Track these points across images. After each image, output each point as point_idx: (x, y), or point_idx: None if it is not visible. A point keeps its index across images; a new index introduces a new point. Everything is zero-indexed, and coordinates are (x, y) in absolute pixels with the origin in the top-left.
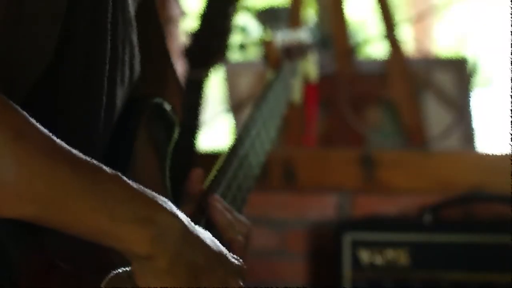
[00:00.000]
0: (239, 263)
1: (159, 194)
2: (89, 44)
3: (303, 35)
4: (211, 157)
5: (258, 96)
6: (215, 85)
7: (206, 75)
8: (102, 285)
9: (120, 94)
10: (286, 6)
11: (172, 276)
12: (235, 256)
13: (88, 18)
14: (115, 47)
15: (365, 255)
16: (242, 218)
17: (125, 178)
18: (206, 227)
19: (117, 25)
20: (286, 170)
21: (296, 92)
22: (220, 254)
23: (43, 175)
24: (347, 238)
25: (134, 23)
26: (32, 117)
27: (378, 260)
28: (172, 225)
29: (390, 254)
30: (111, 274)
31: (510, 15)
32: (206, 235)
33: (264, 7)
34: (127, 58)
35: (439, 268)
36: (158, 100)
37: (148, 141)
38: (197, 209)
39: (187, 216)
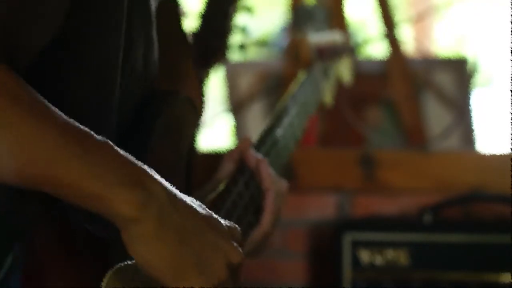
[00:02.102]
0: (231, 227)
1: (173, 185)
2: (102, 38)
3: (338, 36)
4: (211, 157)
5: (287, 96)
6: (215, 85)
7: (206, 75)
8: (107, 276)
9: (135, 88)
10: (324, 5)
11: (160, 240)
12: (228, 221)
13: (101, 11)
14: (130, 42)
15: (365, 255)
16: (280, 180)
17: (114, 146)
18: (249, 179)
19: (134, 19)
20: (286, 170)
21: (328, 95)
22: (209, 218)
23: (33, 141)
24: (347, 238)
25: (154, 19)
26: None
27: (378, 260)
28: (159, 191)
29: (390, 254)
30: (117, 266)
31: (510, 15)
32: (194, 202)
33: (299, 6)
34: (143, 53)
35: (439, 268)
36: (179, 93)
37: (168, 134)
38: (239, 166)
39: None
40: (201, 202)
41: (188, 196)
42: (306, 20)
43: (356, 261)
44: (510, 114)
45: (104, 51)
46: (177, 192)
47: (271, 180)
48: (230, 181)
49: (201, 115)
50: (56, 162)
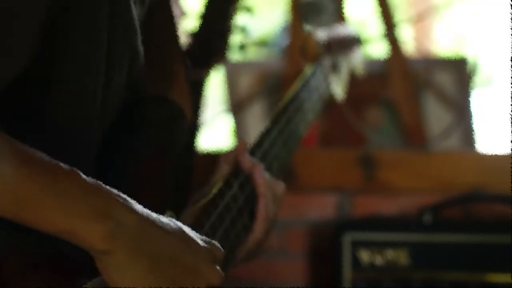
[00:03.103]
0: (211, 247)
1: (157, 194)
2: (84, 49)
3: (347, 30)
4: (211, 157)
5: (293, 90)
6: (215, 85)
7: (206, 75)
8: None
9: (118, 99)
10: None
11: (133, 269)
12: (207, 239)
13: (83, 24)
14: (112, 52)
15: (365, 255)
16: (276, 181)
17: (82, 175)
18: (244, 182)
19: (116, 30)
20: (286, 170)
21: (337, 88)
22: (187, 240)
23: (0, 178)
24: (347, 238)
25: (137, 28)
26: (20, 117)
27: (378, 260)
28: (128, 219)
29: (390, 254)
30: (96, 279)
31: (510, 15)
32: (170, 224)
33: (307, 0)
34: (128, 63)
35: (439, 268)
36: (167, 99)
37: (154, 141)
38: (234, 169)
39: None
40: (195, 207)
41: (162, 213)
42: (313, 13)
43: (356, 261)
44: (510, 114)
45: (83, 62)
46: (151, 215)
47: (265, 185)
48: (224, 184)
49: (188, 120)
50: (23, 197)
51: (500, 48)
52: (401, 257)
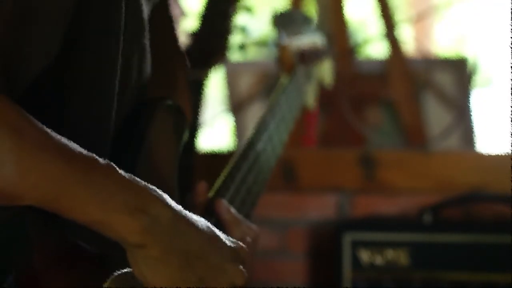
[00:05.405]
0: (237, 247)
1: (166, 192)
2: (100, 48)
3: (318, 39)
4: (211, 157)
5: (270, 100)
6: (215, 85)
7: (206, 75)
8: (106, 284)
9: (129, 97)
10: (303, 10)
11: (165, 264)
12: (233, 240)
13: (100, 23)
14: (124, 51)
15: (365, 255)
16: (249, 224)
17: (118, 169)
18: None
19: (128, 29)
20: (286, 170)
21: (310, 97)
22: (215, 239)
23: (37, 170)
24: (347, 238)
25: (146, 27)
26: (40, 117)
27: (378, 260)
28: (163, 215)
29: (390, 254)
30: (116, 274)
31: (510, 15)
32: (200, 222)
33: (280, 11)
34: (136, 61)
35: (439, 268)
36: (169, 101)
37: (158, 141)
38: (205, 213)
39: None
40: None
41: (191, 213)
42: (285, 24)
43: (356, 261)
44: (510, 114)
45: (103, 61)
46: (184, 212)
47: (238, 230)
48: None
49: (189, 122)
50: (60, 188)
51: (500, 48)
52: (401, 257)
